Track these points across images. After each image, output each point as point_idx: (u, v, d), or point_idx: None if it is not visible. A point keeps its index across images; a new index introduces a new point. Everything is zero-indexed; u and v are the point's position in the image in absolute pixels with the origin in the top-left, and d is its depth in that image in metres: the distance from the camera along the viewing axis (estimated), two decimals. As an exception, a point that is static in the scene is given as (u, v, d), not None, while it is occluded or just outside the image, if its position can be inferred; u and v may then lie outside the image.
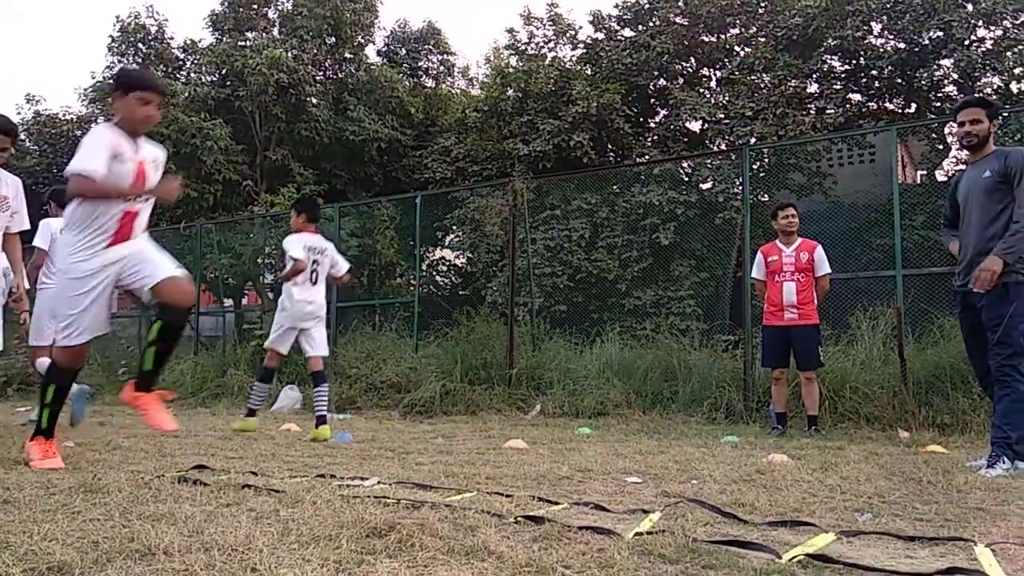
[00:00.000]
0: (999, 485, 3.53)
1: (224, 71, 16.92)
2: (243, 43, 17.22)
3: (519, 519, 2.57)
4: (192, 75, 17.69)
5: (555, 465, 4.13)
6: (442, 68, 19.82)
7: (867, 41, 12.94)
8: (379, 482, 3.43)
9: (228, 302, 15.33)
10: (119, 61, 17.78)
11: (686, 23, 14.36)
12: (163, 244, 13.28)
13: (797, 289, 6.23)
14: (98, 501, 2.79)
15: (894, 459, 4.56)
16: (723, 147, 13.16)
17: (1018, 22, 12.18)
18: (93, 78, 18.27)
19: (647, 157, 13.92)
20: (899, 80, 13.05)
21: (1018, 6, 11.76)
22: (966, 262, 4.36)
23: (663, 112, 15.03)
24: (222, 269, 13.46)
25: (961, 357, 6.24)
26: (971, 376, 6.01)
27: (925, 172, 14.70)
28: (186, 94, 16.05)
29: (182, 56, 18.29)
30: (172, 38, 18.17)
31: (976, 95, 6.41)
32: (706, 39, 14.56)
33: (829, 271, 6.34)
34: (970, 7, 12.16)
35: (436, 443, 5.47)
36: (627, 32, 15.32)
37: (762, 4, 14.03)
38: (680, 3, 14.51)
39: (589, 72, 14.94)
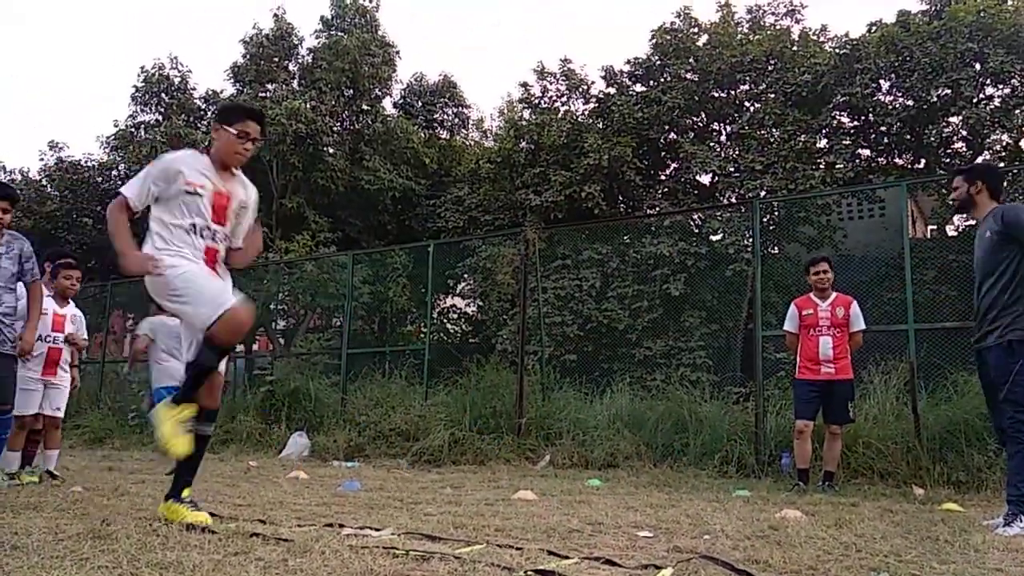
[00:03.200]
0: (1017, 545, 3.46)
1: (244, 121, 17.27)
2: (263, 94, 17.63)
3: (529, 573, 2.54)
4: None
5: (565, 517, 4.08)
6: (457, 120, 20.19)
7: (876, 98, 13.13)
8: (389, 533, 3.40)
9: (239, 348, 15.38)
10: (142, 110, 18.23)
11: (696, 79, 14.62)
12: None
13: (833, 344, 6.19)
14: (106, 548, 2.78)
15: (909, 517, 4.48)
16: (733, 200, 13.27)
17: (1026, 81, 12.35)
18: (116, 126, 18.68)
19: (658, 209, 14.05)
20: (908, 136, 13.19)
21: (1026, 65, 11.93)
22: (980, 319, 4.37)
23: (674, 165, 15.21)
24: (234, 315, 13.51)
25: (975, 413, 6.17)
26: (986, 433, 5.95)
27: (935, 227, 14.75)
28: (206, 143, 16.34)
29: (203, 106, 18.71)
30: (195, 88, 18.66)
31: (963, 164, 6.51)
32: (716, 94, 14.80)
33: (864, 327, 6.31)
34: (978, 66, 12.34)
35: (445, 493, 5.42)
36: (638, 87, 15.60)
37: (772, 61, 14.28)
38: (691, 60, 14.79)
39: (601, 125, 15.17)
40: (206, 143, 16.25)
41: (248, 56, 18.28)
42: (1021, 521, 3.93)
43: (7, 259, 4.85)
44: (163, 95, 18.18)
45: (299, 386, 10.15)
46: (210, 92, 18.66)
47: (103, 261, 16.70)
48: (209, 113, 18.62)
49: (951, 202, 4.62)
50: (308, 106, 16.64)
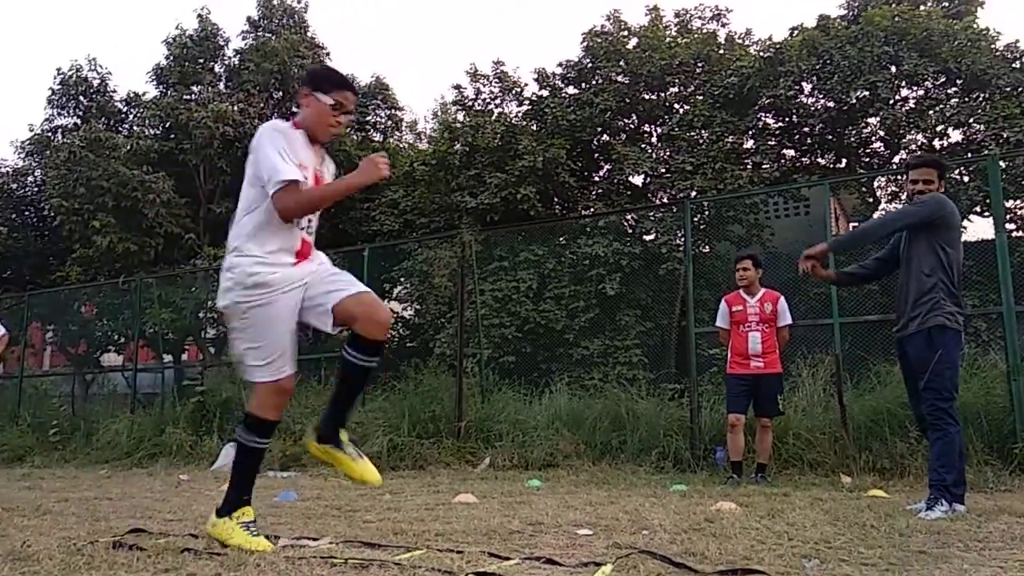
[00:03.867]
0: (939, 528, 3.61)
1: (168, 124, 16.80)
2: (188, 96, 17.15)
3: (470, 575, 2.53)
4: (135, 128, 17.50)
5: (505, 519, 4.08)
6: (390, 122, 19.99)
7: (799, 100, 13.56)
8: (327, 542, 3.34)
9: (168, 358, 14.92)
10: (59, 114, 17.52)
11: (627, 82, 14.84)
12: (100, 299, 12.85)
13: (762, 339, 6.37)
14: (27, 570, 2.66)
15: (838, 504, 4.63)
16: (665, 200, 13.51)
17: (938, 83, 12.93)
18: (31, 131, 17.92)
19: (592, 210, 14.20)
20: (830, 136, 13.66)
21: (938, 67, 12.48)
22: (901, 309, 4.52)
23: (607, 166, 15.40)
24: (162, 324, 13.13)
25: (898, 402, 6.42)
26: (908, 421, 6.19)
27: (857, 224, 15.31)
28: (128, 147, 15.86)
29: (125, 109, 18.11)
30: (115, 91, 18.06)
31: (930, 155, 6.72)
32: (647, 97, 15.05)
33: (791, 322, 6.50)
34: (894, 69, 12.87)
35: (384, 500, 5.36)
36: (571, 90, 15.75)
37: (699, 64, 14.60)
38: (621, 63, 15.01)
39: (535, 127, 15.26)
40: (127, 147, 15.79)
41: (172, 57, 17.75)
42: (942, 505, 4.10)
43: None
44: (81, 98, 17.52)
45: (231, 396, 9.89)
46: (131, 94, 18.06)
47: (20, 270, 16.00)
48: (131, 116, 18.03)
49: (915, 196, 4.55)
50: (235, 109, 16.26)
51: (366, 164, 3.13)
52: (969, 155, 12.10)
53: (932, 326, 4.28)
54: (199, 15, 17.99)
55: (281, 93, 17.88)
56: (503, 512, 4.43)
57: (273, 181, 2.96)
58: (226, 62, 18.28)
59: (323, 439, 3.18)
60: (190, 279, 13.72)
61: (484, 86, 16.62)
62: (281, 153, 2.98)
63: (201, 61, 17.88)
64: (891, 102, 12.88)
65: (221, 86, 17.90)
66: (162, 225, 15.30)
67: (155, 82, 17.97)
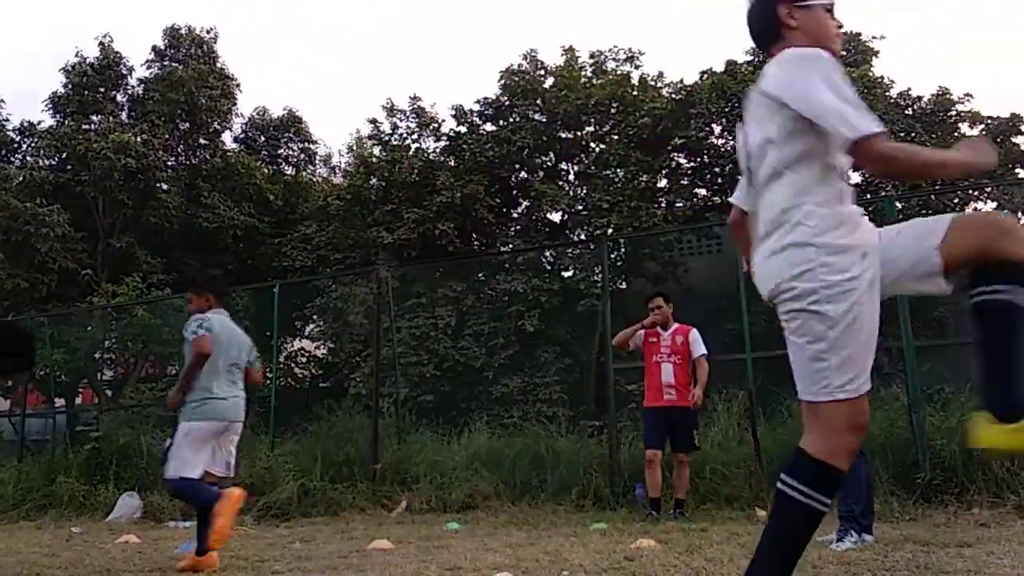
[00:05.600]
0: (849, 559, 3.66)
1: (65, 155, 16.02)
2: (87, 126, 16.43)
3: (384, 632, 2.37)
4: (28, 158, 16.63)
5: (423, 565, 3.94)
6: (303, 156, 19.63)
7: (709, 141, 14.05)
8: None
9: (60, 401, 14.01)
10: (-56, 142, 16.48)
11: (544, 120, 15.07)
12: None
13: (674, 371, 6.44)
14: None
15: (753, 538, 4.61)
16: (583, 237, 13.68)
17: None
18: (-88, 159, 16.77)
19: (511, 246, 14.24)
20: (739, 177, 14.16)
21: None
22: None
23: (525, 203, 15.52)
24: (54, 365, 12.33)
25: (808, 435, 6.55)
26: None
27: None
28: (20, 178, 15.06)
29: (18, 139, 17.22)
30: (7, 120, 17.14)
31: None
32: (564, 135, 15.31)
33: (704, 352, 6.57)
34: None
35: (294, 548, 5.13)
36: (489, 126, 15.86)
37: (614, 104, 14.96)
38: (538, 101, 15.24)
39: (453, 163, 15.27)
40: (19, 178, 14.95)
41: (70, 86, 16.97)
42: (852, 536, 4.18)
43: None
44: (-31, 126, 16.57)
45: (129, 441, 9.32)
46: (25, 123, 17.18)
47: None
48: (25, 146, 17.11)
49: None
50: (139, 139, 15.66)
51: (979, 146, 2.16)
52: (868, 196, 12.75)
53: None
54: (101, 42, 17.32)
55: (188, 124, 17.34)
56: (420, 558, 4.29)
57: (858, 128, 2.00)
58: (129, 91, 17.63)
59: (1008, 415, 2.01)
60: (86, 317, 12.97)
61: (401, 121, 16.59)
62: (845, 96, 2.05)
63: (102, 90, 17.18)
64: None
65: (124, 116, 17.23)
66: (56, 260, 14.49)
67: (52, 111, 17.12)
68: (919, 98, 13.78)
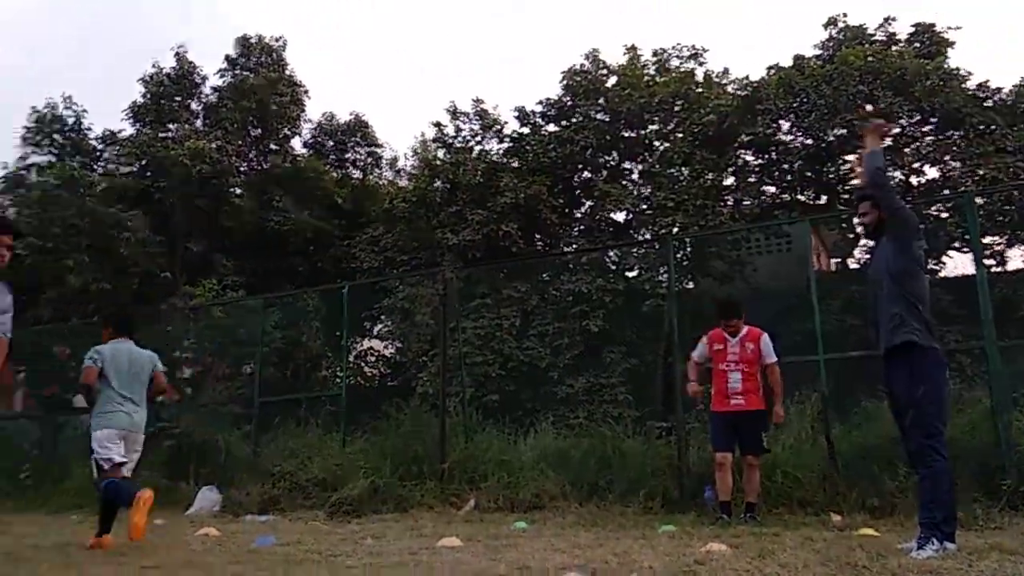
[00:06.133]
0: (930, 567, 3.55)
1: (144, 162, 16.70)
2: (164, 134, 17.08)
3: (459, 628, 2.41)
4: (110, 166, 17.38)
5: (492, 563, 3.98)
6: (369, 159, 20.01)
7: (777, 137, 13.75)
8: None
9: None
10: (33, 151, 17.35)
11: (607, 119, 14.99)
12: (74, 340, 12.52)
13: (742, 379, 6.32)
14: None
15: (828, 544, 4.55)
16: (647, 237, 13.56)
17: (914, 121, 13.17)
18: (4, 168, 17.70)
19: (575, 246, 14.23)
20: (809, 173, 13.84)
21: (912, 106, 12.72)
22: (884, 331, 4.48)
23: (589, 203, 15.47)
24: (137, 364, 12.84)
25: (886, 438, 6.36)
26: (896, 457, 6.13)
27: (839, 260, 15.44)
28: (103, 185, 15.74)
29: (100, 147, 18.00)
30: (90, 129, 17.94)
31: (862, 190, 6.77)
32: (627, 134, 15.20)
33: (775, 359, 6.43)
34: (869, 107, 13.09)
35: (366, 544, 5.22)
36: (551, 127, 15.87)
37: (678, 102, 14.78)
38: (601, 100, 15.16)
39: (516, 165, 15.33)
40: (102, 185, 15.64)
41: (148, 95, 17.69)
42: (933, 544, 4.03)
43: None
44: (56, 135, 17.38)
45: (208, 438, 9.67)
46: (107, 132, 17.96)
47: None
48: (107, 154, 17.87)
49: (861, 227, 4.76)
50: (213, 146, 16.21)
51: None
52: (946, 192, 12.30)
53: (912, 343, 4.27)
54: (176, 53, 18.02)
55: (260, 130, 17.88)
56: (489, 556, 4.32)
57: None
58: (204, 100, 18.27)
59: None
60: (166, 319, 13.49)
61: (464, 123, 16.74)
62: None
63: (178, 99, 17.86)
64: (867, 140, 13.07)
65: (198, 124, 17.86)
66: (137, 264, 15.11)
67: (131, 120, 17.89)
68: (998, 90, 13.21)
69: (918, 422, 4.22)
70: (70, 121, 17.61)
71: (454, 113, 16.74)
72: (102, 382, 5.53)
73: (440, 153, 16.86)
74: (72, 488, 10.00)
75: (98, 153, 18.00)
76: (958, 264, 12.21)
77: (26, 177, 17.16)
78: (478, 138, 16.70)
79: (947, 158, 12.59)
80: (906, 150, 12.91)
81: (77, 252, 14.58)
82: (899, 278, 4.38)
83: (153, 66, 17.87)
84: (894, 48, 13.84)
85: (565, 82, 15.70)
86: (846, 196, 13.65)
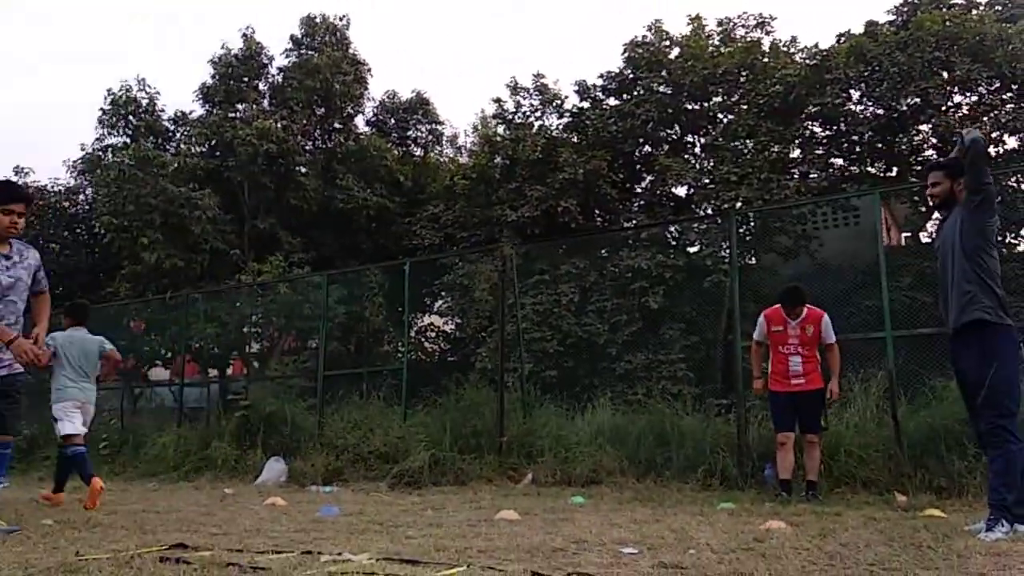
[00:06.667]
0: (999, 549, 3.46)
1: (214, 142, 17.15)
2: (233, 114, 17.49)
3: (512, 596, 2.47)
4: (182, 146, 17.91)
5: (548, 536, 4.02)
6: (430, 137, 20.12)
7: (847, 108, 13.28)
8: (368, 558, 3.31)
9: (213, 372, 15.15)
10: (110, 133, 17.99)
11: (670, 92, 14.71)
12: (148, 314, 13.05)
13: (802, 362, 6.26)
14: (74, 583, 2.67)
15: (892, 524, 4.47)
16: (709, 212, 13.33)
17: (993, 88, 12.55)
18: (83, 150, 18.42)
19: (634, 222, 14.08)
20: (879, 144, 13.35)
21: (992, 73, 12.13)
22: (953, 308, 4.35)
23: (649, 178, 15.26)
24: (208, 339, 13.34)
25: (955, 418, 6.19)
26: (965, 438, 5.96)
27: (909, 234, 14.91)
28: (175, 165, 16.22)
29: (172, 128, 18.53)
30: (163, 110, 18.46)
31: (938, 159, 6.50)
32: (689, 107, 14.90)
33: (834, 339, 6.32)
34: (946, 74, 12.54)
35: (426, 515, 5.34)
36: (612, 101, 15.66)
37: (743, 73, 14.41)
38: (663, 73, 14.89)
39: (575, 140, 15.21)
40: (174, 165, 16.13)
41: (217, 76, 18.12)
42: (1003, 526, 3.93)
43: (22, 268, 4.62)
44: (130, 117, 17.94)
45: (275, 410, 9.99)
46: (179, 113, 18.48)
47: (71, 287, 16.41)
48: (178, 134, 18.40)
49: (930, 198, 4.64)
50: (279, 126, 16.53)
51: None
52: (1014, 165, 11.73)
53: (985, 321, 4.14)
54: (244, 34, 18.37)
55: (324, 109, 18.14)
56: (546, 529, 4.37)
57: None
58: (270, 80, 18.62)
59: None
60: (235, 294, 13.93)
61: (524, 99, 16.65)
62: None
63: (246, 80, 18.23)
64: (943, 109, 12.55)
65: (265, 104, 18.21)
66: (208, 241, 15.59)
67: (201, 101, 18.37)
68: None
69: (990, 402, 4.10)
70: (144, 103, 18.16)
71: (514, 89, 16.68)
72: (57, 364, 6.48)
73: (500, 129, 16.85)
74: (148, 456, 10.49)
75: (170, 134, 18.53)
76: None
77: (103, 158, 17.84)
78: (538, 113, 16.61)
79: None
80: (984, 119, 12.31)
81: (151, 230, 15.11)
82: (973, 255, 4.24)
83: (222, 47, 18.31)
84: (973, 12, 13.17)
85: (627, 55, 15.45)
86: (918, 168, 13.14)
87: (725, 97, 14.78)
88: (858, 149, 13.70)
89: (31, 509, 5.81)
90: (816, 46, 14.12)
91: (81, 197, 18.88)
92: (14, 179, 19.04)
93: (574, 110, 15.93)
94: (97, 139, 18.19)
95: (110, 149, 17.96)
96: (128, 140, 17.78)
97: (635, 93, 15.07)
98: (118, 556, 3.28)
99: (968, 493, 5.84)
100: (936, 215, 12.91)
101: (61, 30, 79.69)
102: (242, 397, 10.94)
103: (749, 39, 15.23)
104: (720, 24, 15.67)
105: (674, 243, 13.22)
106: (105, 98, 17.89)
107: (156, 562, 3.11)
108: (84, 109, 40.91)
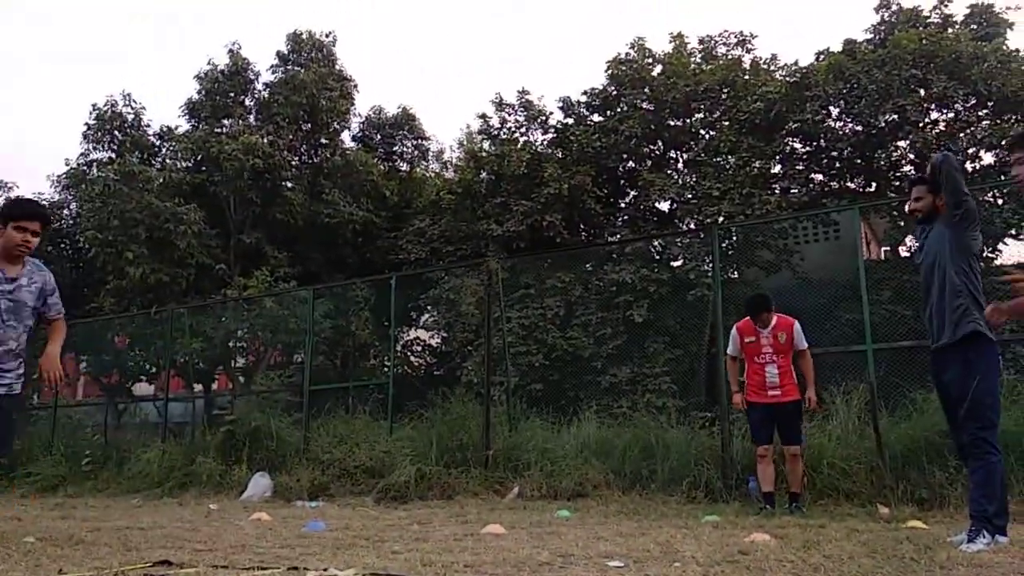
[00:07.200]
0: (981, 561, 3.50)
1: (199, 157, 17.11)
2: (219, 129, 17.46)
3: (499, 609, 2.49)
4: (167, 161, 17.85)
5: (535, 550, 4.03)
6: (416, 152, 20.18)
7: (826, 124, 13.47)
8: (355, 573, 3.32)
9: (198, 387, 15.05)
10: (95, 148, 17.89)
11: (652, 108, 14.87)
12: (133, 329, 13.01)
13: (778, 371, 6.28)
14: (58, 601, 2.67)
15: (875, 536, 4.51)
16: (692, 226, 13.44)
17: (969, 105, 12.78)
18: (67, 165, 18.29)
19: (618, 236, 14.17)
20: (858, 160, 13.54)
21: (968, 90, 12.35)
22: (946, 323, 4.38)
23: (633, 193, 15.39)
24: (193, 354, 13.27)
25: (935, 430, 6.27)
26: (946, 450, 6.04)
27: (888, 248, 15.08)
28: (161, 180, 16.17)
29: (158, 143, 18.47)
30: (149, 125, 18.39)
31: (919, 174, 6.58)
32: (672, 123, 15.05)
33: (806, 346, 6.37)
34: (923, 91, 12.75)
35: (412, 530, 5.33)
36: (596, 117, 15.80)
37: (725, 90, 14.59)
38: (646, 90, 15.04)
39: (560, 155, 15.30)
40: (160, 180, 16.08)
41: (203, 92, 18.10)
42: (984, 537, 3.97)
43: (27, 292, 4.53)
44: (116, 132, 17.87)
45: (260, 425, 9.95)
46: (164, 128, 18.43)
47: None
48: (164, 149, 18.34)
49: (913, 213, 4.67)
50: (265, 141, 16.52)
51: None
52: (1002, 178, 11.93)
53: (966, 333, 4.18)
54: (230, 50, 18.36)
55: (310, 125, 18.15)
56: (532, 543, 4.38)
57: None
58: (256, 95, 18.61)
59: None
60: (220, 309, 13.88)
61: (509, 115, 16.75)
62: None
63: (232, 95, 18.22)
64: (921, 125, 12.75)
65: (251, 119, 18.20)
66: (193, 256, 15.53)
67: (187, 116, 18.33)
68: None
69: (972, 414, 4.13)
70: (129, 118, 18.10)
71: (499, 105, 16.78)
72: None
73: (485, 145, 16.93)
74: (132, 472, 10.40)
75: (156, 149, 18.46)
76: (1013, 252, 11.86)
77: (87, 173, 17.74)
78: (523, 129, 16.71)
79: (1003, 143, 12.19)
80: (961, 135, 12.53)
81: (136, 244, 15.03)
82: (961, 272, 4.29)
83: (208, 63, 18.30)
84: (949, 30, 13.43)
85: (610, 72, 15.60)
86: (896, 183, 13.33)
87: (707, 113, 14.95)
88: (838, 165, 13.89)
89: (12, 527, 5.76)
90: (796, 64, 14.33)
91: (65, 212, 18.75)
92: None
93: (558, 126, 16.05)
94: (82, 154, 18.08)
95: (95, 164, 17.86)
96: (113, 155, 17.69)
97: (619, 109, 15.21)
98: (101, 574, 3.27)
99: (949, 504, 5.90)
100: (916, 229, 13.11)
101: (40, 42, 79.32)
102: (227, 412, 10.91)
103: (730, 57, 15.44)
104: (702, 42, 15.88)
105: (658, 257, 13.31)
106: (90, 113, 17.83)
107: (142, 578, 3.10)
108: (69, 124, 40.68)
